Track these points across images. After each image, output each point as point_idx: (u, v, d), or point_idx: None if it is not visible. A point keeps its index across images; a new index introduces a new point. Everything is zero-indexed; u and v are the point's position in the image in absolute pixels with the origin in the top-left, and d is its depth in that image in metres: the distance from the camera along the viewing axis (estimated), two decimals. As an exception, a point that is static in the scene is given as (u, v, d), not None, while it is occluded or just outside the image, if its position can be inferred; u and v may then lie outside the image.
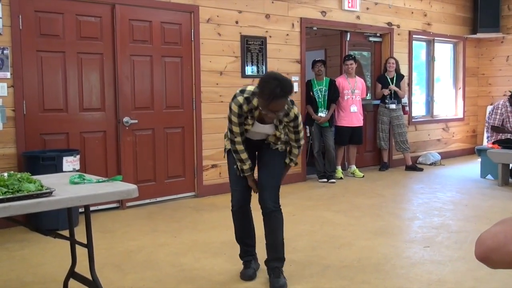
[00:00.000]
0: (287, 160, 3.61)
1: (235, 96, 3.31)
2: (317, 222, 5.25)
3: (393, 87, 8.33)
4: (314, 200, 6.36)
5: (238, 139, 3.38)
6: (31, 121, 5.25)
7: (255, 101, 3.26)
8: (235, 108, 3.28)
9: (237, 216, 3.67)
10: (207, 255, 4.21)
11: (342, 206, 6.00)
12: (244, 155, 3.43)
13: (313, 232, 4.89)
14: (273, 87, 3.07)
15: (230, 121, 3.34)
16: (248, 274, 3.64)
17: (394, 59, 8.52)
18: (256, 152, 3.63)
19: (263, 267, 3.66)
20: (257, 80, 6.93)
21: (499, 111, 7.70)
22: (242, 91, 3.32)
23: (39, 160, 4.81)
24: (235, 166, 3.53)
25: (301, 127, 3.49)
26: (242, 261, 3.73)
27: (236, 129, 3.35)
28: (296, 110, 3.40)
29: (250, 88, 3.34)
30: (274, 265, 3.52)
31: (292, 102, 3.37)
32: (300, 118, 3.45)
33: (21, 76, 5.16)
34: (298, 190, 6.88)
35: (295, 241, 4.50)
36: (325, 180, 7.53)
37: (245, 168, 3.47)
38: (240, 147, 3.40)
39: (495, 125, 7.68)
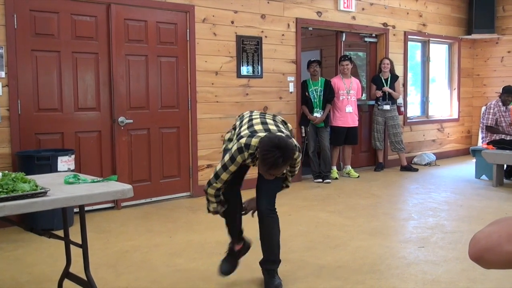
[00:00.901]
0: (283, 184, 3.65)
1: (241, 151, 3.19)
2: (312, 222, 5.26)
3: (386, 88, 8.34)
4: (309, 200, 6.36)
5: (219, 185, 3.31)
6: (26, 120, 5.24)
7: (257, 153, 3.18)
8: (239, 160, 3.22)
9: (226, 193, 3.52)
10: (202, 255, 4.21)
11: (337, 206, 6.01)
12: (213, 200, 3.40)
13: (308, 232, 4.89)
14: (275, 158, 3.03)
15: (224, 167, 3.25)
16: (226, 268, 3.61)
17: (389, 59, 8.54)
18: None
19: (257, 267, 3.65)
20: (252, 81, 6.94)
21: (491, 110, 7.73)
22: (247, 147, 3.19)
23: (33, 160, 4.80)
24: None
25: (299, 164, 3.48)
26: (229, 241, 3.70)
27: (225, 177, 3.27)
28: (298, 155, 3.33)
29: (254, 142, 3.18)
30: (269, 267, 3.51)
31: (298, 149, 3.34)
32: (300, 158, 3.42)
33: (16, 76, 5.15)
34: (293, 190, 6.87)
35: (290, 241, 4.50)
36: (320, 180, 7.54)
37: (209, 208, 3.47)
38: (213, 192, 3.35)
39: (489, 125, 7.71)
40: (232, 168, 3.24)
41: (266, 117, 3.53)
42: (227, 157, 3.25)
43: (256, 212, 3.53)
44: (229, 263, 3.64)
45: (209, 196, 3.40)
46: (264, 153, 3.05)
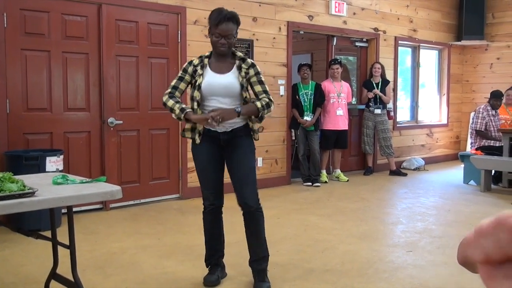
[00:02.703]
0: (258, 104, 3.33)
1: (190, 61, 3.50)
2: (301, 225, 5.26)
3: (377, 91, 8.38)
4: (299, 203, 6.37)
5: (170, 90, 3.41)
6: (15, 120, 5.20)
7: (206, 54, 3.48)
8: (185, 65, 3.49)
9: (208, 217, 3.60)
10: (191, 257, 4.19)
11: (326, 210, 6.01)
12: (170, 102, 3.35)
13: (297, 235, 4.89)
14: (220, 10, 3.33)
15: (176, 77, 3.48)
16: (210, 280, 3.54)
17: (380, 64, 8.58)
18: (222, 155, 3.50)
19: (245, 270, 3.64)
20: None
21: (480, 115, 7.79)
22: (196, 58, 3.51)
23: (22, 159, 4.76)
24: (184, 134, 3.48)
25: (263, 77, 3.44)
26: (207, 267, 3.62)
27: (175, 82, 3.45)
28: (250, 59, 3.49)
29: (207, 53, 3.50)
30: (260, 267, 3.49)
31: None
32: (258, 66, 3.47)
33: (4, 75, 5.11)
34: (283, 193, 6.88)
35: (279, 244, 4.49)
36: (310, 183, 7.55)
37: (177, 112, 3.31)
38: (167, 98, 3.38)
39: (478, 129, 7.76)
40: (180, 73, 3.46)
41: None
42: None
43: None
44: (214, 274, 3.59)
45: (167, 102, 3.38)
46: (211, 12, 3.39)
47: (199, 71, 3.39)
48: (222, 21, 3.28)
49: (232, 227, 4.14)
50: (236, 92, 3.37)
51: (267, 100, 3.38)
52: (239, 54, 3.48)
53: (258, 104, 3.34)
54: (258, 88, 3.42)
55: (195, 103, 3.36)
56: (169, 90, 3.42)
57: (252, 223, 3.47)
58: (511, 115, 7.91)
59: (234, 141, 3.42)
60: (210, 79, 3.37)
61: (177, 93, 3.42)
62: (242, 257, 3.77)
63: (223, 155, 3.48)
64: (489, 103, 7.89)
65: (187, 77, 3.44)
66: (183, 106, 3.35)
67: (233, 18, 3.34)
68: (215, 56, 3.45)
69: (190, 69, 3.44)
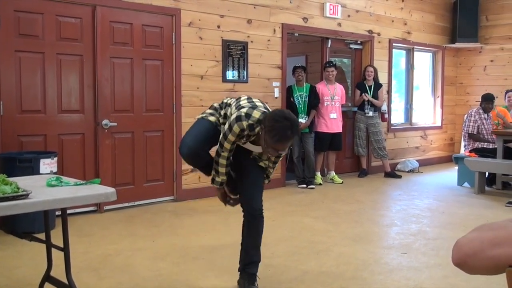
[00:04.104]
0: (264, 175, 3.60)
1: (240, 119, 3.11)
2: (296, 227, 5.26)
3: (368, 97, 8.39)
4: (293, 205, 6.37)
5: (226, 154, 3.26)
6: (8, 122, 5.18)
7: (257, 130, 3.14)
8: (236, 130, 3.13)
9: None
10: (186, 259, 4.19)
11: (321, 212, 6.02)
12: (222, 170, 3.32)
13: (292, 237, 4.89)
14: (285, 129, 2.99)
15: (225, 137, 3.20)
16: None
17: (373, 67, 8.61)
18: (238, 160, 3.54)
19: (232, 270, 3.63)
20: (238, 86, 6.94)
21: (472, 118, 7.82)
22: (248, 116, 3.12)
23: (15, 161, 4.74)
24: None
25: (283, 154, 3.48)
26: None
27: (228, 146, 3.23)
28: None
29: (256, 114, 3.13)
30: (252, 271, 3.48)
31: None
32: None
33: (-2, 76, 5.09)
34: (277, 196, 6.88)
35: (274, 246, 4.49)
36: (304, 186, 7.55)
37: (218, 180, 3.38)
38: (223, 161, 3.29)
39: (471, 132, 7.79)
40: (231, 137, 3.17)
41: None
42: (226, 126, 3.21)
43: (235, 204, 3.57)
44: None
45: (220, 166, 3.31)
46: (274, 123, 3.00)
47: (242, 141, 3.31)
48: (286, 141, 3.08)
49: (229, 229, 4.14)
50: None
51: (272, 171, 3.62)
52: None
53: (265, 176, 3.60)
54: (272, 159, 3.51)
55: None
56: (225, 152, 3.27)
57: (253, 227, 3.45)
58: None
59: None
60: (246, 146, 3.39)
61: (229, 156, 3.35)
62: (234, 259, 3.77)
63: (240, 162, 3.51)
64: (481, 107, 7.92)
65: (237, 140, 3.28)
66: (222, 180, 3.38)
67: (295, 136, 3.14)
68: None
69: (241, 135, 3.23)
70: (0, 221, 4.16)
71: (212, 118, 3.43)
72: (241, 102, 3.30)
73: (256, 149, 3.40)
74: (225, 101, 3.52)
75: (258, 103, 3.29)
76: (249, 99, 3.35)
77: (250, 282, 3.45)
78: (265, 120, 3.05)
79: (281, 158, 3.57)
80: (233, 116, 3.15)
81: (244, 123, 3.11)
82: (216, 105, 3.55)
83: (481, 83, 10.43)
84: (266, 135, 3.04)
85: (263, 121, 3.07)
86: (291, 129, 3.00)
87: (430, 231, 5.21)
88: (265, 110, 3.20)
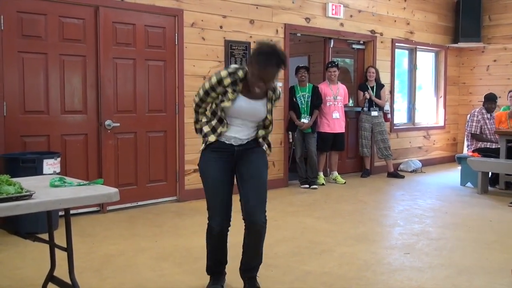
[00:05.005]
0: (267, 152, 3.46)
1: (218, 72, 3.20)
2: (299, 228, 5.26)
3: (371, 93, 8.40)
4: (296, 206, 6.37)
5: (197, 100, 3.31)
6: (12, 122, 5.19)
7: (240, 73, 3.15)
8: (213, 80, 3.16)
9: (213, 237, 3.40)
10: (188, 260, 4.19)
11: (323, 212, 6.02)
12: (197, 117, 3.40)
13: (294, 238, 4.89)
14: (269, 54, 3.03)
15: (201, 90, 3.25)
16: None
17: (375, 68, 8.62)
18: (234, 167, 3.40)
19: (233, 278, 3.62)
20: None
21: (475, 118, 7.81)
22: (226, 68, 3.22)
23: (19, 162, 4.75)
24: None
25: (277, 101, 3.45)
26: (209, 274, 3.53)
27: (201, 93, 3.25)
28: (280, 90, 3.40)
29: (234, 66, 3.23)
30: (252, 274, 3.45)
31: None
32: (279, 95, 3.42)
33: (1, 77, 5.10)
34: (280, 196, 6.89)
35: (277, 247, 4.50)
36: (307, 186, 7.55)
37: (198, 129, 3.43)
38: (196, 108, 3.36)
39: (473, 132, 7.78)
40: (206, 85, 3.20)
41: None
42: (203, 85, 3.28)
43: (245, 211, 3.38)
44: (217, 285, 3.50)
45: (195, 113, 3.41)
46: (258, 50, 3.07)
47: (230, 95, 3.16)
48: (271, 67, 3.06)
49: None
50: (261, 118, 3.34)
51: (269, 138, 3.45)
52: (273, 85, 3.32)
53: (268, 152, 3.46)
54: (269, 117, 3.38)
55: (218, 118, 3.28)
56: (197, 99, 3.32)
57: (254, 237, 3.36)
58: None
59: (247, 153, 3.34)
60: (240, 103, 3.21)
61: (201, 109, 3.36)
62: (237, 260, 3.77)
63: (234, 168, 3.37)
64: (483, 107, 7.92)
65: (214, 95, 3.23)
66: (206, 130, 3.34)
67: (281, 64, 3.09)
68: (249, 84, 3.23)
69: (219, 89, 3.19)
70: (3, 222, 4.17)
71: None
72: None
73: (257, 107, 3.26)
74: None
75: None
76: None
77: (251, 284, 3.44)
78: (251, 55, 3.13)
79: (275, 102, 3.40)
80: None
81: (223, 72, 3.17)
82: None
83: (484, 83, 10.41)
84: (251, 65, 3.10)
85: (248, 59, 3.11)
86: (276, 56, 3.04)
87: (433, 231, 5.20)
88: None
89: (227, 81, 3.16)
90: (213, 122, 3.28)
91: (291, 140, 7.70)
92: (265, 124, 3.39)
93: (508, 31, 10.05)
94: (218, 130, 3.27)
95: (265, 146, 3.45)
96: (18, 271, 3.90)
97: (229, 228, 3.43)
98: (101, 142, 5.80)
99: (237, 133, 3.31)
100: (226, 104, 3.18)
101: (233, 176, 3.41)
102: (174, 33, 6.32)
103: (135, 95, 6.06)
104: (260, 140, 3.40)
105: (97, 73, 5.74)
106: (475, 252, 4.42)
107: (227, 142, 3.32)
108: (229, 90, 3.16)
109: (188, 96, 6.42)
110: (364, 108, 8.49)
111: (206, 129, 3.34)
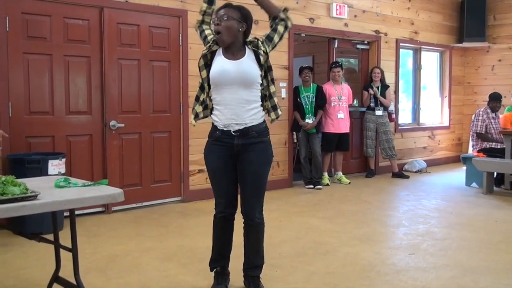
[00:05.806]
0: (273, 116, 3.40)
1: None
2: (303, 228, 5.26)
3: (376, 91, 8.40)
4: (300, 206, 6.37)
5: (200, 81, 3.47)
6: (17, 123, 5.21)
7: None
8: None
9: (218, 224, 3.47)
10: (193, 260, 4.20)
11: (328, 212, 6.01)
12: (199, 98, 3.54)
13: (298, 238, 4.89)
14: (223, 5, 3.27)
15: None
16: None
17: (380, 69, 8.61)
18: (234, 163, 3.39)
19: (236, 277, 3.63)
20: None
21: (480, 117, 7.80)
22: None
23: (24, 163, 4.77)
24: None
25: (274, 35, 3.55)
26: (211, 270, 3.54)
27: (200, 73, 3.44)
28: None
29: None
30: (255, 274, 3.46)
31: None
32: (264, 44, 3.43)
33: (6, 78, 5.12)
34: (284, 196, 6.88)
35: (281, 247, 4.50)
36: (312, 186, 7.55)
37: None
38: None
39: (479, 131, 7.76)
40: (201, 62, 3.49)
41: None
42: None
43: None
44: (221, 285, 3.51)
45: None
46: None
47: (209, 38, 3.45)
48: (219, 9, 3.31)
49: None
50: (253, 79, 3.28)
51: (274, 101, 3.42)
52: (249, 39, 3.39)
53: (273, 116, 3.46)
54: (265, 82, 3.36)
55: (204, 94, 3.40)
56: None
57: (252, 235, 3.41)
58: None
59: (249, 148, 3.31)
60: (223, 62, 3.33)
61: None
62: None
63: (236, 161, 3.36)
64: (488, 106, 7.90)
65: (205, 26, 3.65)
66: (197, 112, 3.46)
67: (231, 5, 3.33)
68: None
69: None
70: (8, 222, 4.19)
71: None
72: None
73: (242, 66, 3.28)
74: None
75: None
76: None
77: (254, 284, 3.44)
78: None
79: (269, 49, 3.43)
80: None
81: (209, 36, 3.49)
82: None
83: (489, 83, 10.38)
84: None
85: None
86: (228, 4, 3.30)
87: (438, 231, 5.19)
88: None
89: (211, 37, 3.45)
90: (201, 97, 3.47)
91: (295, 141, 7.70)
92: (265, 95, 3.34)
93: (513, 30, 10.03)
94: (206, 101, 3.43)
95: (272, 113, 3.40)
96: (23, 271, 3.91)
97: (234, 220, 3.47)
98: (106, 142, 5.81)
99: (233, 109, 3.27)
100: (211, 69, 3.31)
101: (236, 168, 3.39)
102: (179, 33, 6.33)
103: (139, 95, 6.07)
104: (269, 110, 3.38)
105: (101, 73, 5.75)
106: (480, 252, 4.40)
107: (225, 129, 3.30)
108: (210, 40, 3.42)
109: (192, 97, 6.39)
110: (371, 104, 8.47)
111: (198, 109, 3.46)
